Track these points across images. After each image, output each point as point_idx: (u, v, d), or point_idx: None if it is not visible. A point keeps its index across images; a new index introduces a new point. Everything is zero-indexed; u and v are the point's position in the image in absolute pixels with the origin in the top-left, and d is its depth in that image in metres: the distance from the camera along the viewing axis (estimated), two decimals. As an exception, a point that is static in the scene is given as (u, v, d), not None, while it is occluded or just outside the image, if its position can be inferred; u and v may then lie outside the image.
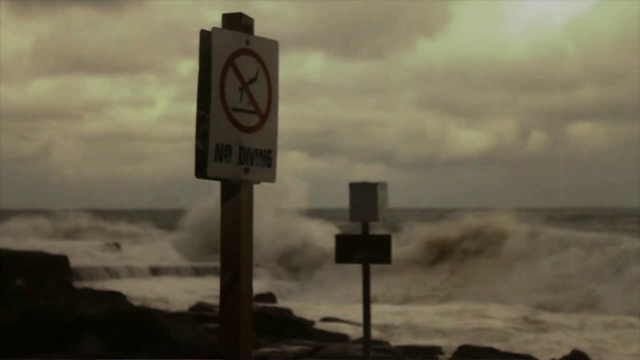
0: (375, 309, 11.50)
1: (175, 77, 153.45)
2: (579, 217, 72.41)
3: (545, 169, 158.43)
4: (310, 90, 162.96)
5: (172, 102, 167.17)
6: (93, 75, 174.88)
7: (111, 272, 28.30)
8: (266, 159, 3.49)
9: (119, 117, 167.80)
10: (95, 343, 9.61)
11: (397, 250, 25.72)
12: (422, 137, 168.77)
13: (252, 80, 3.42)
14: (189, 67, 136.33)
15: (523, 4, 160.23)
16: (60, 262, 22.92)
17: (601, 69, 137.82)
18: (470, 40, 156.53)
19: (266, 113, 3.49)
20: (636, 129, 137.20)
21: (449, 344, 14.49)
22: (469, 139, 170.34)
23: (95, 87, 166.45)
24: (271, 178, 3.54)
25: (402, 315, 18.79)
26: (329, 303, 22.60)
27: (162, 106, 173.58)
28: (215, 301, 19.09)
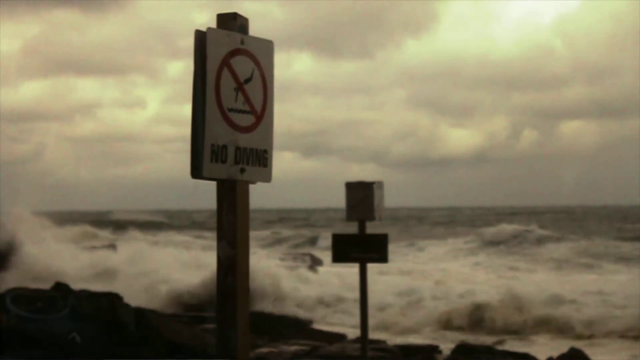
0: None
1: (165, 78, 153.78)
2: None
3: (537, 167, 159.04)
4: (300, 90, 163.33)
5: (163, 103, 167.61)
6: (82, 77, 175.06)
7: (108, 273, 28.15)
8: (262, 159, 3.48)
9: (109, 118, 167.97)
10: (92, 344, 9.60)
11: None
12: (414, 136, 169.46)
13: (248, 80, 3.41)
14: (178, 68, 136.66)
15: (511, 3, 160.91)
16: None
17: (590, 66, 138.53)
18: (458, 39, 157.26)
19: (262, 113, 3.48)
20: (626, 127, 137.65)
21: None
22: (460, 137, 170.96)
23: (85, 88, 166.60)
24: (267, 178, 3.53)
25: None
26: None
27: (153, 107, 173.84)
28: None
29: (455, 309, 17.89)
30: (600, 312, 17.38)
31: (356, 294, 18.41)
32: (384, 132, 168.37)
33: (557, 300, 18.69)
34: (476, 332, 16.98)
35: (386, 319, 17.20)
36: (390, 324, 17.01)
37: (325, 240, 45.13)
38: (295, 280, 22.32)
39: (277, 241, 46.88)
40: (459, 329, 17.24)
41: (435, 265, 30.64)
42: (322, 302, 19.57)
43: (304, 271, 25.63)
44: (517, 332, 16.75)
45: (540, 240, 37.80)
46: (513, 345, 14.97)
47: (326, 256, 29.34)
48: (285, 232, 53.49)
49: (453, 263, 32.00)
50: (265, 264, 22.77)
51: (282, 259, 31.41)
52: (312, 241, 46.22)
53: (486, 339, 15.79)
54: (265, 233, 50.78)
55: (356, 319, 17.02)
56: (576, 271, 27.48)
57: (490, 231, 40.29)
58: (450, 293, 19.48)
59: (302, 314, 18.20)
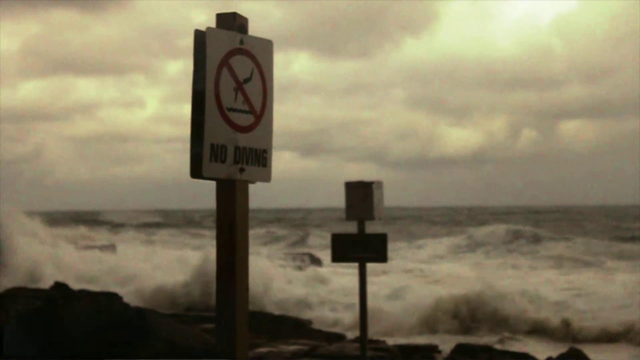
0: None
1: (164, 77, 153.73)
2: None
3: (535, 166, 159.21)
4: (299, 90, 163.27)
5: (162, 103, 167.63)
6: (81, 76, 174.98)
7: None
8: (261, 158, 3.48)
9: (108, 118, 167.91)
10: (92, 344, 9.60)
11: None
12: (413, 136, 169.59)
13: (247, 80, 3.40)
14: (177, 67, 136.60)
15: (509, 3, 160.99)
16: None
17: (589, 66, 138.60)
18: (457, 38, 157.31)
19: (261, 113, 3.48)
20: (625, 127, 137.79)
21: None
22: (459, 137, 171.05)
23: (84, 88, 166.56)
24: (267, 178, 3.53)
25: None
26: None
27: (152, 107, 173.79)
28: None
29: (447, 308, 17.74)
30: (589, 314, 17.25)
31: (344, 295, 18.39)
32: (383, 132, 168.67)
33: (545, 300, 18.47)
34: (469, 332, 16.87)
35: (378, 319, 17.10)
36: (382, 324, 16.91)
37: (315, 238, 45.37)
38: (292, 279, 22.27)
39: (270, 240, 46.81)
40: (452, 329, 17.15)
41: (430, 264, 30.68)
42: (308, 302, 19.47)
43: (305, 271, 25.61)
44: (511, 332, 16.62)
45: (535, 240, 37.89)
46: (512, 345, 14.97)
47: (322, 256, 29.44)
48: (280, 231, 53.51)
49: (449, 262, 32.03)
50: (263, 264, 22.75)
51: (281, 259, 31.42)
52: (302, 240, 46.20)
53: (480, 339, 15.72)
54: (260, 232, 50.80)
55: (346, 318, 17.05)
56: (567, 271, 27.42)
57: (486, 231, 40.40)
58: (444, 292, 19.33)
59: (298, 313, 18.17)
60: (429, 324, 17.26)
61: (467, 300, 17.78)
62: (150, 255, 27.42)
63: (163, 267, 23.62)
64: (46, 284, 18.37)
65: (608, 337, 15.78)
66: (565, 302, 18.51)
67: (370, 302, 17.01)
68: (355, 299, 17.61)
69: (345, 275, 22.32)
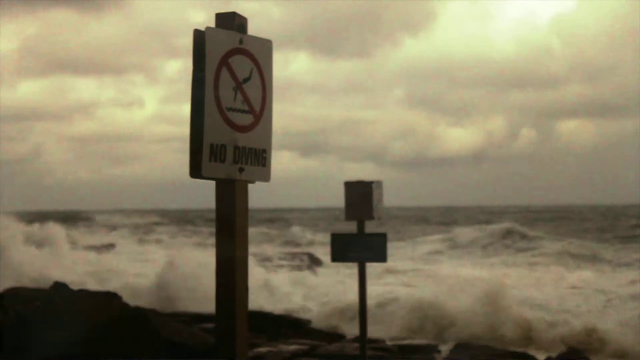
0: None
1: (163, 77, 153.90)
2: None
3: (534, 166, 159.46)
4: (298, 89, 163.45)
5: (161, 103, 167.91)
6: (80, 76, 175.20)
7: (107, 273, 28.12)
8: (261, 158, 3.48)
9: (107, 118, 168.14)
10: (92, 344, 9.59)
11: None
12: (412, 136, 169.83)
13: (246, 80, 3.41)
14: (176, 67, 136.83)
15: (508, 2, 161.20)
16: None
17: (588, 66, 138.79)
18: (456, 38, 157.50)
19: (260, 112, 3.48)
20: (624, 126, 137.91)
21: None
22: (458, 136, 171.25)
23: (83, 88, 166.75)
24: (266, 177, 3.53)
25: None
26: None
27: (151, 107, 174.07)
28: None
29: (438, 309, 17.41)
30: (561, 318, 16.98)
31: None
32: (382, 131, 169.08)
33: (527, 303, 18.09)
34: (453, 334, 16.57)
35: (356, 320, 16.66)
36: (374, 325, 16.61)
37: (303, 238, 45.39)
38: (274, 279, 22.13)
39: (260, 240, 46.76)
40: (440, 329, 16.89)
41: (424, 263, 30.62)
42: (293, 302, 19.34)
43: (303, 272, 25.57)
44: (494, 338, 16.27)
45: (529, 239, 37.81)
46: (512, 345, 14.93)
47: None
48: (273, 231, 53.47)
49: (440, 262, 31.93)
50: (262, 264, 22.72)
51: (281, 258, 31.41)
52: (290, 241, 46.20)
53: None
54: (252, 231, 50.64)
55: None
56: (559, 271, 27.25)
57: (480, 230, 40.36)
58: (435, 292, 18.98)
59: (296, 313, 18.12)
60: (407, 325, 16.95)
61: (462, 303, 17.35)
62: (134, 256, 27.41)
63: (136, 269, 23.53)
64: (43, 283, 18.32)
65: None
66: (549, 303, 18.35)
67: (352, 303, 16.98)
68: (333, 299, 17.59)
69: (327, 276, 22.34)
